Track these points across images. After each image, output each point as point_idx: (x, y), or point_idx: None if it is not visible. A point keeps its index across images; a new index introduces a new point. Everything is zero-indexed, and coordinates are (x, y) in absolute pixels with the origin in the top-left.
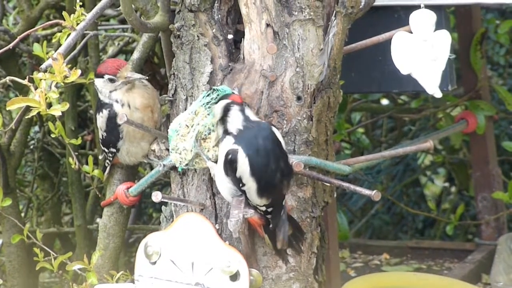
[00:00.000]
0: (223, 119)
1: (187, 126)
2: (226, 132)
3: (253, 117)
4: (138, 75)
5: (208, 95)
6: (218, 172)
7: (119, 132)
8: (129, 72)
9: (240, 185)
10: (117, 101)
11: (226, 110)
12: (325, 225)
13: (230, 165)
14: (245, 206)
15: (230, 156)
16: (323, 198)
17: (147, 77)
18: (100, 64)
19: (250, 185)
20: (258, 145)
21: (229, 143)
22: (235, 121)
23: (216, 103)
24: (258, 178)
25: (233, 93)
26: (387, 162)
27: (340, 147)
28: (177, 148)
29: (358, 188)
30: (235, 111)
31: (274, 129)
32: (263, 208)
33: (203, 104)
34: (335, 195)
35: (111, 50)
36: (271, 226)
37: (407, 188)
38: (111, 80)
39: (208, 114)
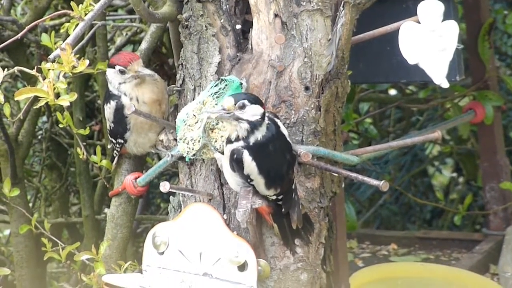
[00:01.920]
0: (253, 125)
1: (195, 116)
2: (244, 140)
3: None
4: (148, 71)
5: (216, 85)
6: (225, 164)
7: (127, 124)
8: (140, 67)
9: (248, 180)
10: (125, 94)
11: (262, 120)
12: (333, 216)
13: (237, 163)
14: (253, 196)
15: (235, 155)
16: (331, 189)
17: (155, 74)
18: (114, 55)
19: (259, 181)
20: (263, 145)
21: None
22: (260, 132)
23: (224, 93)
24: (266, 174)
25: (241, 83)
26: (395, 153)
27: (348, 137)
28: (184, 138)
29: (366, 178)
30: (265, 123)
31: (278, 122)
32: (274, 197)
33: (211, 94)
34: (343, 186)
35: (119, 40)
36: (283, 210)
37: (415, 178)
38: (122, 72)
39: (216, 104)
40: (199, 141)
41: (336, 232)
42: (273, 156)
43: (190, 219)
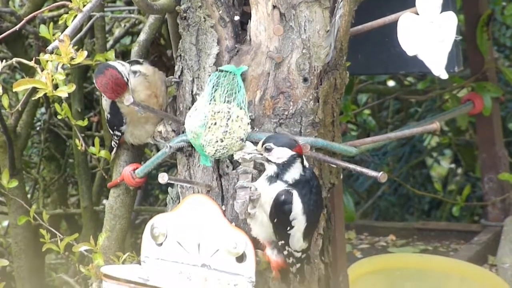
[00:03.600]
0: (281, 167)
1: (212, 116)
2: (278, 178)
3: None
4: (130, 100)
5: (217, 77)
6: (258, 214)
7: (123, 117)
8: (127, 97)
9: (288, 228)
10: None
11: (290, 162)
12: (331, 207)
13: (281, 206)
14: (251, 187)
15: (283, 197)
16: (330, 180)
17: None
18: (99, 78)
19: (300, 225)
20: (309, 190)
21: (280, 187)
22: (294, 172)
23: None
24: (308, 216)
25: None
26: (394, 144)
27: (346, 129)
28: (210, 141)
29: (364, 170)
30: (297, 163)
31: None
32: (299, 255)
33: (213, 86)
34: (341, 177)
35: (117, 31)
36: (292, 274)
37: (413, 169)
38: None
39: (227, 101)
40: (222, 139)
41: (334, 223)
42: (314, 200)
43: (189, 211)
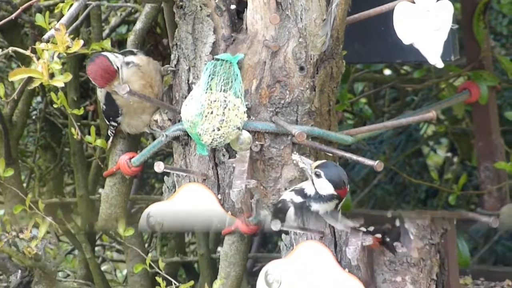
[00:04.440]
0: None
1: (209, 105)
2: (307, 199)
3: None
4: (126, 89)
5: (213, 65)
6: None
7: (118, 108)
8: (116, 84)
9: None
10: None
11: (326, 199)
12: (445, 252)
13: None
14: (247, 176)
15: (280, 205)
16: (442, 225)
17: (134, 62)
18: (90, 65)
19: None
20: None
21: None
22: (322, 208)
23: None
24: None
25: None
26: (390, 133)
27: (342, 117)
28: (206, 129)
29: (361, 158)
30: (331, 204)
31: None
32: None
33: (209, 75)
34: (454, 222)
35: (113, 20)
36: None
37: (409, 158)
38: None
39: (223, 89)
40: (219, 128)
41: (448, 269)
42: None
43: (302, 257)
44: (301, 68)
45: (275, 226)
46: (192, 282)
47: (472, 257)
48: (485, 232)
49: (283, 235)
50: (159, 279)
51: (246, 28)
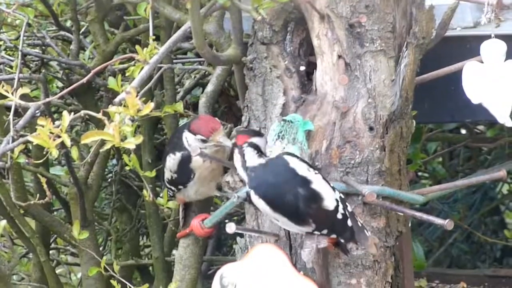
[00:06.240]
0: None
1: None
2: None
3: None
4: (229, 143)
5: (282, 126)
6: None
7: (190, 175)
8: (222, 136)
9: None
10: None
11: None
12: (400, 255)
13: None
14: (318, 236)
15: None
16: (397, 228)
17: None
18: (195, 120)
19: (282, 220)
20: (268, 184)
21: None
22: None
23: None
24: (283, 213)
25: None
26: (464, 191)
27: (414, 177)
28: None
29: (431, 217)
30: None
31: (288, 158)
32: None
33: (276, 134)
34: (409, 225)
35: (187, 83)
36: (342, 241)
37: (485, 216)
38: (203, 141)
39: (284, 148)
40: None
41: (403, 271)
42: (280, 193)
43: (256, 260)
44: (371, 128)
45: (230, 228)
46: (147, 285)
47: (427, 259)
48: (440, 235)
49: (238, 238)
50: (114, 282)
51: (316, 89)
